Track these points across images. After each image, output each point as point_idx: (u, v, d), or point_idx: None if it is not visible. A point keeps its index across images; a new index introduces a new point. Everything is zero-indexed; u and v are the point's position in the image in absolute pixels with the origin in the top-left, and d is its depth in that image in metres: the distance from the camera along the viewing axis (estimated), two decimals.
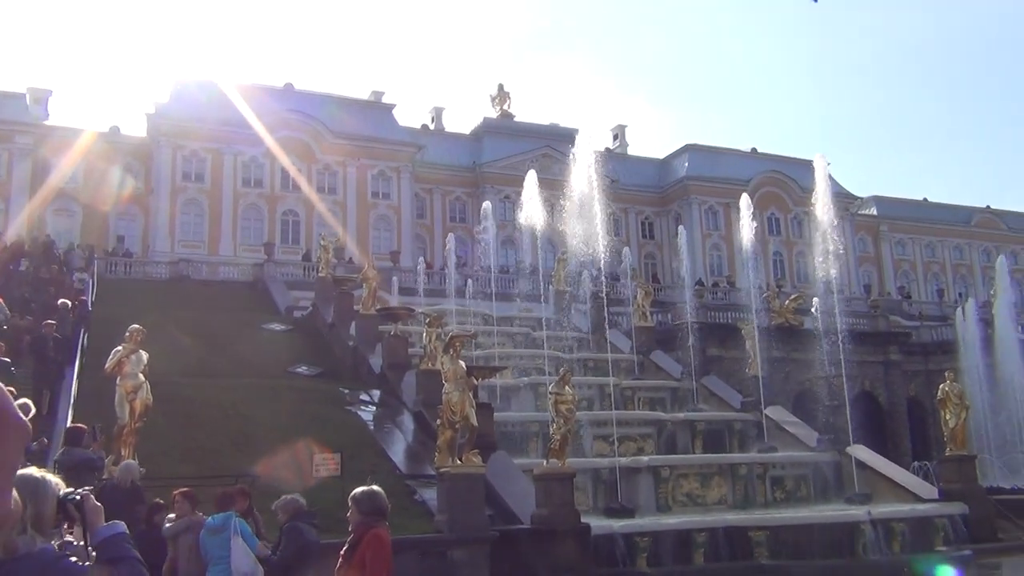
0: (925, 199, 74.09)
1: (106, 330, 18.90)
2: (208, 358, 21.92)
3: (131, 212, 49.93)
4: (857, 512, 16.47)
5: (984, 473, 23.44)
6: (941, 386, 19.64)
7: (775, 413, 23.02)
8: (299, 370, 23.64)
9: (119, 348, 13.30)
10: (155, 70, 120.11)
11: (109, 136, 50.08)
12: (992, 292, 39.58)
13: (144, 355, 13.39)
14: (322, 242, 32.57)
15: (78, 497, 3.36)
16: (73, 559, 3.20)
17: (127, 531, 3.47)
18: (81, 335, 20.99)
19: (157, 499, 9.77)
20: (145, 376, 13.31)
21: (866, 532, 15.52)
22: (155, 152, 49.48)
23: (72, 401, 16.22)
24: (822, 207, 25.26)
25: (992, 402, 29.62)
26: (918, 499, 18.79)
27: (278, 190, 51.47)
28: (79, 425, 11.92)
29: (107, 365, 13.37)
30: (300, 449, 16.21)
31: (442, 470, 14.11)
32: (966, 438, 19.79)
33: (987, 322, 32.72)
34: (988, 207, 74.64)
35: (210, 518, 8.62)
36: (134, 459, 12.10)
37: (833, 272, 25.49)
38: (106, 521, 3.36)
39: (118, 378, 13.21)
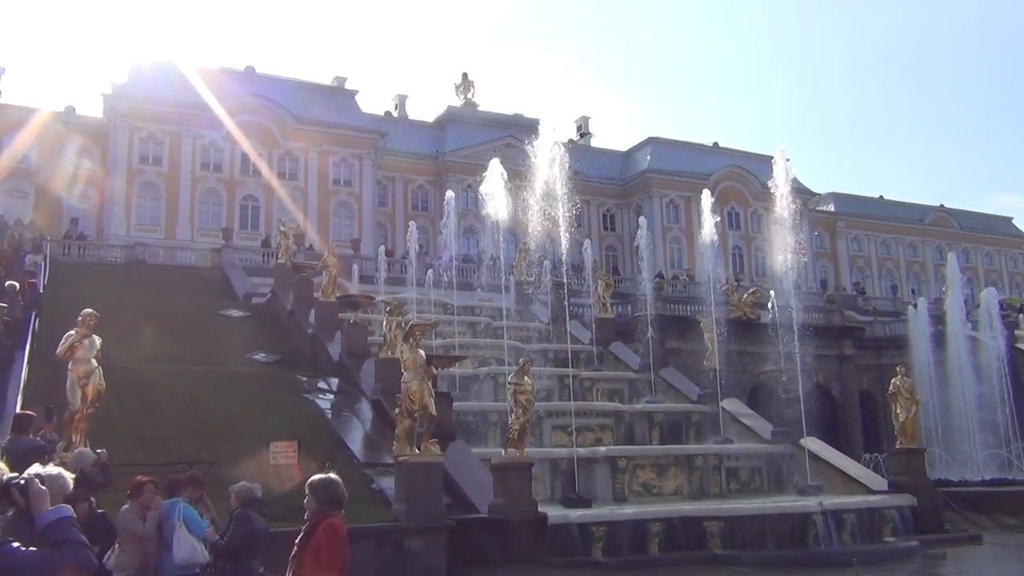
0: (881, 197, 75.31)
1: (58, 314, 18.56)
2: (164, 344, 21.61)
3: (86, 194, 48.93)
4: (809, 503, 16.74)
5: (932, 466, 23.98)
6: (893, 380, 20.01)
7: (731, 405, 23.31)
8: (257, 357, 23.41)
9: (71, 332, 13.04)
10: (113, 50, 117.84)
11: (64, 116, 49.03)
12: (944, 289, 40.46)
13: (97, 340, 13.14)
14: (282, 228, 32.22)
15: (22, 482, 3.31)
16: (15, 544, 3.14)
17: (72, 515, 3.43)
18: (32, 319, 20.56)
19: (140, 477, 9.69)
20: (98, 361, 13.07)
21: (817, 523, 15.77)
22: (111, 133, 48.52)
23: (21, 387, 15.89)
24: (781, 203, 25.53)
25: (941, 397, 30.26)
26: (868, 491, 19.14)
27: (238, 175, 50.79)
28: (28, 412, 11.68)
29: (59, 350, 13.11)
30: (256, 437, 16.08)
31: (400, 459, 14.08)
32: (916, 431, 20.20)
33: (938, 319, 33.39)
34: (942, 206, 76.07)
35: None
36: (86, 446, 11.89)
37: (790, 267, 25.81)
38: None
39: (70, 363, 12.95)
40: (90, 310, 13.29)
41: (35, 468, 3.92)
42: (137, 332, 21.27)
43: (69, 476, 4.41)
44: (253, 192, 50.89)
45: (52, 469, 4.33)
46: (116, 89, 48.92)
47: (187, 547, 8.10)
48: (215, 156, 50.55)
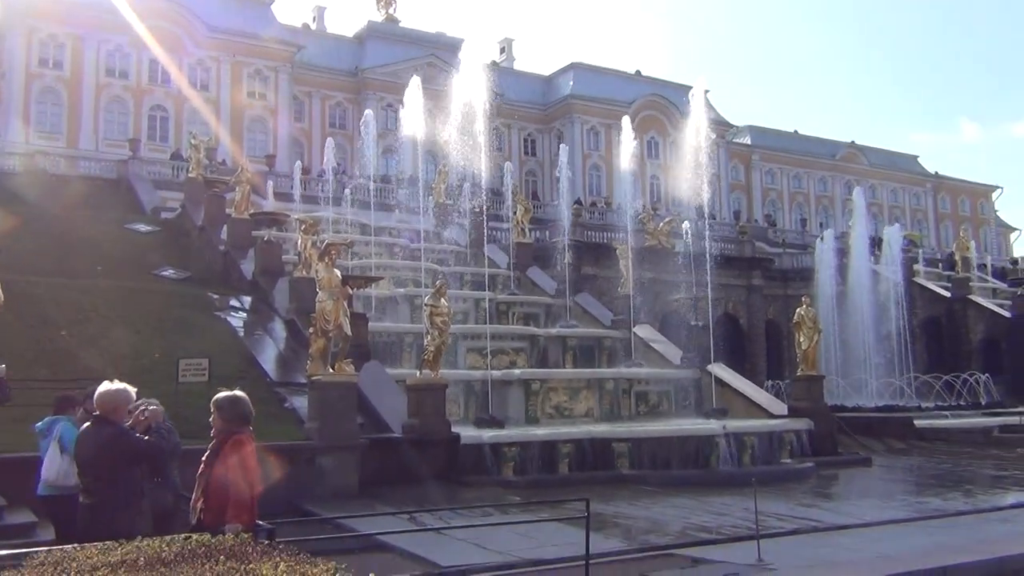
0: (796, 131, 76.76)
1: None
2: (65, 257, 20.80)
3: None
4: (713, 426, 17.32)
5: (831, 393, 25.09)
6: (798, 310, 20.66)
7: (643, 332, 23.79)
8: (165, 273, 22.76)
9: None
10: None
11: None
12: (850, 224, 41.70)
13: None
14: (192, 141, 31.04)
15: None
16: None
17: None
18: None
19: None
20: None
21: (720, 445, 16.35)
22: (7, 33, 45.57)
23: None
24: (697, 133, 25.74)
25: (841, 327, 31.51)
26: (770, 415, 19.93)
27: (145, 83, 48.56)
28: None
29: None
30: (165, 354, 15.73)
31: (314, 378, 13.99)
32: (816, 360, 21.00)
33: (843, 252, 34.52)
34: (853, 142, 78.01)
35: (39, 422, 8.27)
36: None
37: (705, 197, 26.22)
38: None
39: None
40: None
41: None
42: (36, 244, 20.41)
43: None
44: (162, 102, 48.81)
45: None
46: None
47: (56, 467, 7.71)
48: (121, 62, 48.14)
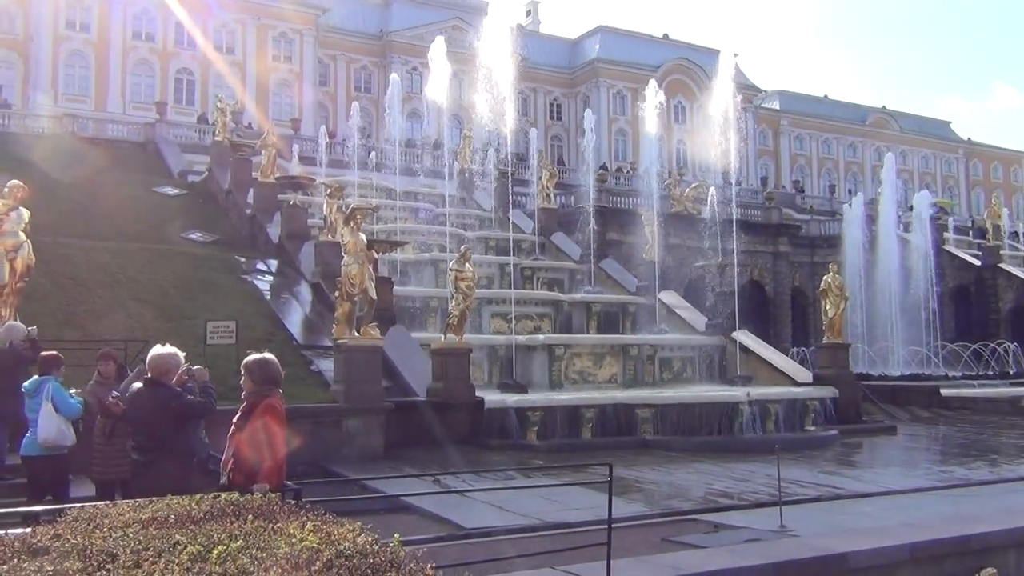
0: (826, 96, 75.67)
1: None
2: (95, 220, 21.00)
3: (8, 60, 46.42)
4: (737, 393, 17.29)
5: (856, 361, 24.96)
6: (824, 277, 20.51)
7: (668, 298, 23.73)
8: (193, 236, 22.94)
9: None
10: None
11: None
12: (879, 191, 41.18)
13: (25, 213, 12.66)
14: (219, 104, 31.07)
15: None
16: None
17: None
18: None
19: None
20: (26, 235, 12.64)
21: (744, 412, 16.35)
22: None
23: None
24: (725, 97, 25.41)
25: (869, 295, 31.24)
26: (794, 382, 19.86)
27: (171, 46, 48.61)
28: None
29: None
30: (192, 316, 15.91)
31: (340, 341, 14.09)
32: (843, 327, 20.86)
33: (872, 218, 34.12)
34: (884, 107, 76.84)
35: (27, 382, 8.28)
36: (16, 320, 11.62)
37: (732, 163, 25.97)
38: None
39: None
40: (17, 181, 12.75)
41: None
42: (67, 206, 20.62)
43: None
44: (188, 65, 48.89)
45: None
46: None
47: (52, 427, 7.79)
48: (147, 24, 48.22)
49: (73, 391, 8.30)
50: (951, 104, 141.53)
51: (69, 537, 3.36)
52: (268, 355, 5.88)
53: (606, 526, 6.44)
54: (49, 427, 7.79)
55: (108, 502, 4.44)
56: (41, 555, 3.17)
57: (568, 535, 8.06)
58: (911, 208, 36.41)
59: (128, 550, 3.14)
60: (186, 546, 3.15)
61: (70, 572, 2.93)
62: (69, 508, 3.96)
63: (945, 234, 38.04)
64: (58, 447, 7.90)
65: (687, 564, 7.14)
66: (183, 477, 5.99)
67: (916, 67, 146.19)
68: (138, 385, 6.56)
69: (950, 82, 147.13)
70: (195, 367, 7.36)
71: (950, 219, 43.02)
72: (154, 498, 4.16)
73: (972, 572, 8.02)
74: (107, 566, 2.98)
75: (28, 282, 12.77)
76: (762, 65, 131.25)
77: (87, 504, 4.12)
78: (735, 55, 26.36)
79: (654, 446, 15.21)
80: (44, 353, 8.66)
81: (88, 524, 3.63)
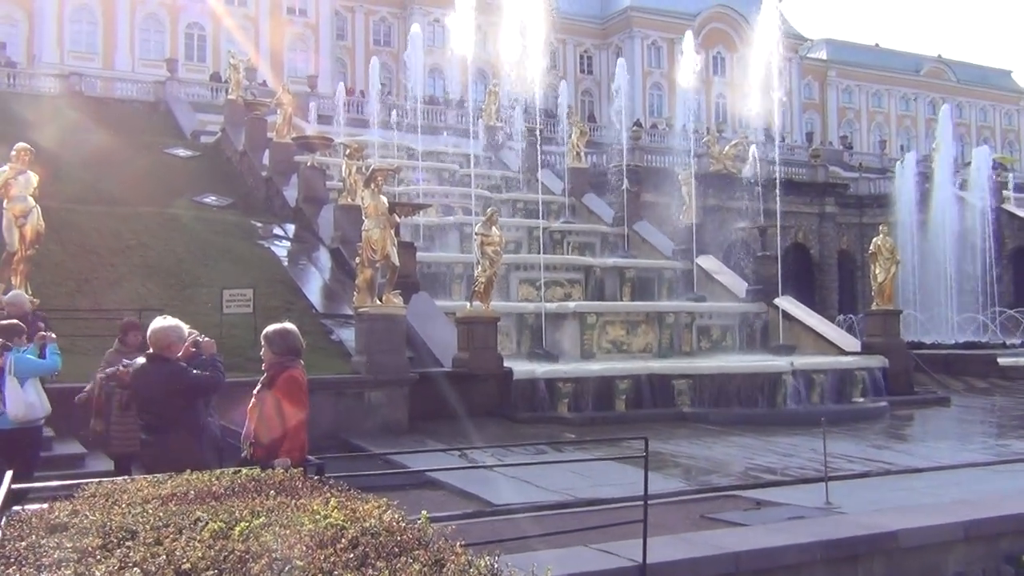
0: (877, 45, 74.34)
1: None
2: (105, 184, 21.19)
3: (12, 16, 46.69)
4: (780, 363, 17.22)
5: (908, 328, 24.71)
6: (874, 240, 20.25)
7: (706, 263, 23.59)
8: (207, 200, 23.10)
9: (4, 168, 12.66)
10: None
11: None
12: (934, 146, 40.52)
13: (34, 177, 12.78)
14: (232, 61, 31.11)
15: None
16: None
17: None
18: None
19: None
20: (35, 200, 12.78)
21: (787, 382, 16.29)
22: None
23: None
24: (768, 47, 25.02)
25: (921, 258, 30.86)
26: (841, 352, 19.73)
27: None
28: None
29: None
30: (208, 284, 16.06)
31: (361, 310, 14.16)
32: (893, 293, 20.65)
33: (926, 176, 33.60)
34: (939, 56, 75.36)
35: None
36: (27, 289, 11.78)
37: (775, 118, 25.66)
38: None
39: (4, 201, 12.64)
40: (24, 144, 12.88)
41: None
42: (76, 170, 20.80)
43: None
44: (198, 19, 48.92)
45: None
46: None
47: (20, 404, 7.60)
48: None
49: (51, 345, 8.04)
50: (1012, 52, 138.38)
51: (88, 513, 3.43)
52: (288, 325, 5.93)
53: (642, 503, 6.46)
54: (17, 403, 7.63)
55: (126, 477, 4.51)
56: (60, 531, 3.24)
57: (601, 512, 8.11)
58: (968, 164, 35.78)
59: (148, 527, 3.19)
60: (207, 523, 3.19)
61: (89, 549, 2.99)
62: (87, 483, 4.04)
63: (1005, 192, 37.34)
64: (32, 419, 7.79)
65: (728, 543, 7.17)
66: (195, 455, 5.99)
67: (974, 13, 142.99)
68: (141, 360, 6.41)
69: (1011, 29, 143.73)
70: (203, 338, 7.37)
71: (1010, 176, 42.23)
72: (172, 473, 4.22)
73: None
74: (127, 543, 3.04)
75: (38, 249, 12.93)
76: (808, 12, 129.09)
77: (104, 480, 4.20)
78: (779, 1, 25.83)
79: (692, 419, 15.22)
80: (2, 322, 8.31)
81: (106, 500, 3.70)
